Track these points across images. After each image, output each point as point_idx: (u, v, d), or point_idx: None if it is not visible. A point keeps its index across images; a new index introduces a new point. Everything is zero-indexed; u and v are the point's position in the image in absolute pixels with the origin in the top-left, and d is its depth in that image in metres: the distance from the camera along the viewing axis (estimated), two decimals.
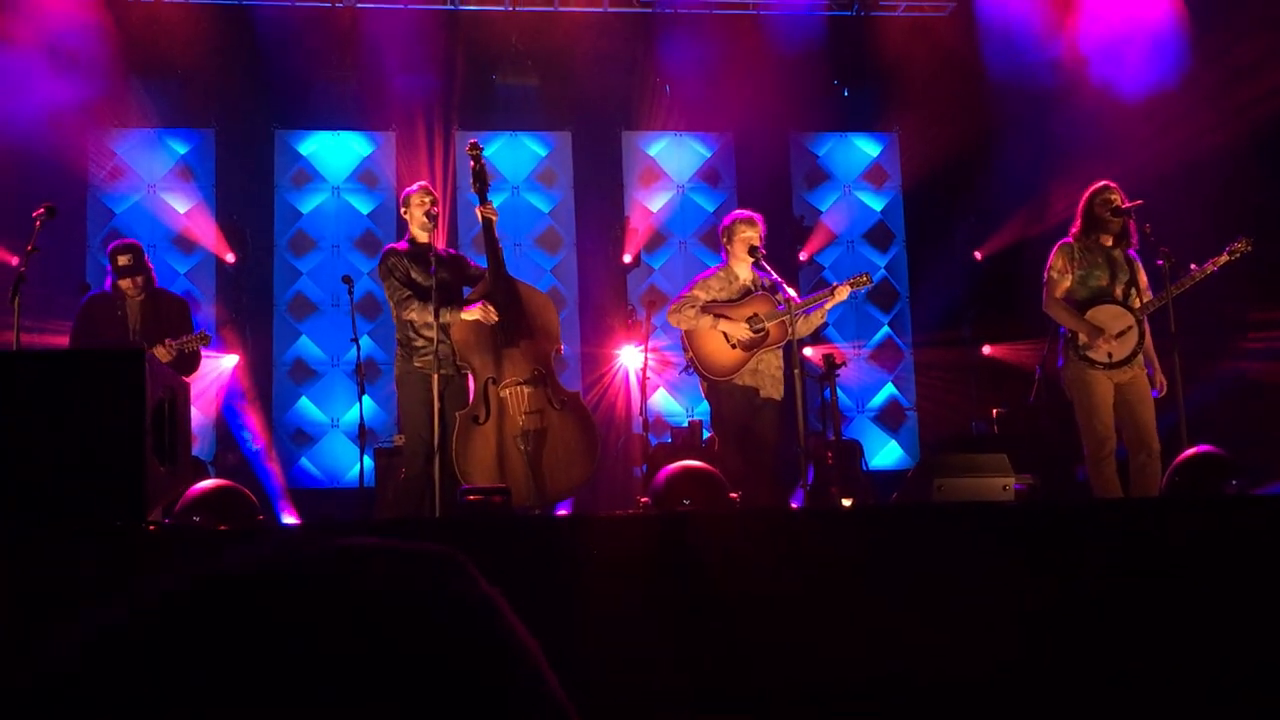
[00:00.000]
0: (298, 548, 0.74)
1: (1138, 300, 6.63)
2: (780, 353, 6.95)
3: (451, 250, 7.34)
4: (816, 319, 7.06)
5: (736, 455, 6.75)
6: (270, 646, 0.67)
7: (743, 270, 6.99)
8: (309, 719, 0.65)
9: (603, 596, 3.79)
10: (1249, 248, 6.58)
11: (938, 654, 3.79)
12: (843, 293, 6.88)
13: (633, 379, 9.85)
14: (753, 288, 6.97)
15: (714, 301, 6.90)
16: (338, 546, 0.75)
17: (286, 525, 8.04)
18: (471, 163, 6.70)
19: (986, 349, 10.75)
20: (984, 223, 10.92)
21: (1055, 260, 6.68)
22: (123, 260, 6.91)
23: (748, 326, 6.81)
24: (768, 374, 6.88)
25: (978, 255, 11.02)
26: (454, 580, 0.75)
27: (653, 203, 11.07)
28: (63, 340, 7.44)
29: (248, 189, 10.49)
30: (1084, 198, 6.74)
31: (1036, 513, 4.96)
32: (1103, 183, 6.74)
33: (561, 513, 6.88)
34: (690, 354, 6.93)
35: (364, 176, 10.77)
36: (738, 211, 7.23)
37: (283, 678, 0.66)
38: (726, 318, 6.83)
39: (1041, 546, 4.25)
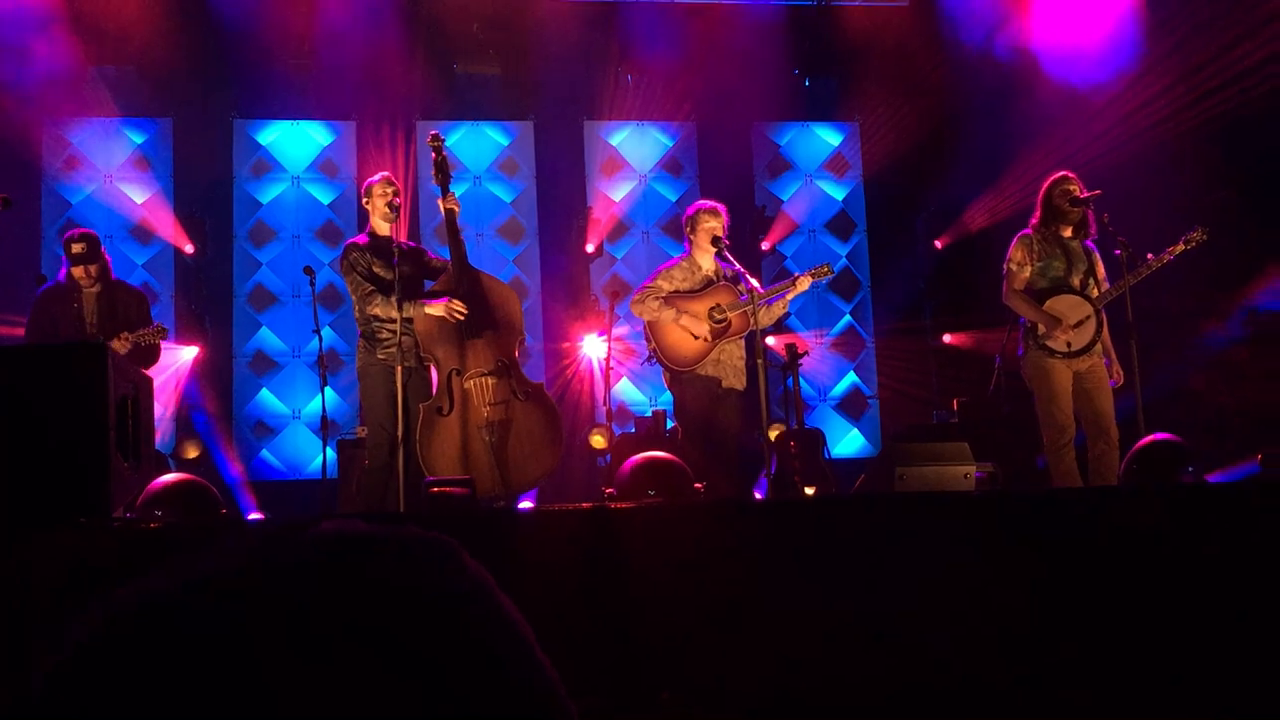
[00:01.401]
0: (283, 542, 0.73)
1: (1096, 290, 6.71)
2: (742, 343, 6.98)
3: (411, 243, 7.32)
4: (778, 309, 7.11)
5: (699, 446, 6.78)
6: (268, 646, 0.66)
7: (705, 260, 7.01)
8: (311, 718, 0.65)
9: (551, 590, 3.79)
10: (1205, 237, 6.67)
11: (898, 646, 3.83)
12: (804, 283, 6.92)
13: (596, 369, 9.87)
14: (715, 278, 7.00)
15: (677, 292, 6.93)
16: (325, 538, 0.73)
17: (252, 519, 8.00)
18: (433, 154, 6.69)
19: (947, 337, 10.85)
20: (944, 212, 11.01)
21: (1014, 252, 6.74)
22: (76, 248, 6.78)
23: (709, 321, 6.84)
24: (730, 364, 6.91)
25: (938, 244, 11.11)
26: (451, 569, 0.74)
27: (615, 192, 11.08)
28: (18, 333, 7.36)
29: (206, 179, 10.41)
30: (1043, 188, 6.81)
31: (997, 501, 5.02)
32: (1062, 173, 6.81)
33: (525, 504, 6.90)
34: (653, 344, 6.95)
35: (324, 166, 10.71)
36: (701, 202, 7.25)
37: (283, 676, 0.65)
38: (689, 312, 6.85)
39: (1002, 535, 4.32)
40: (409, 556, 0.73)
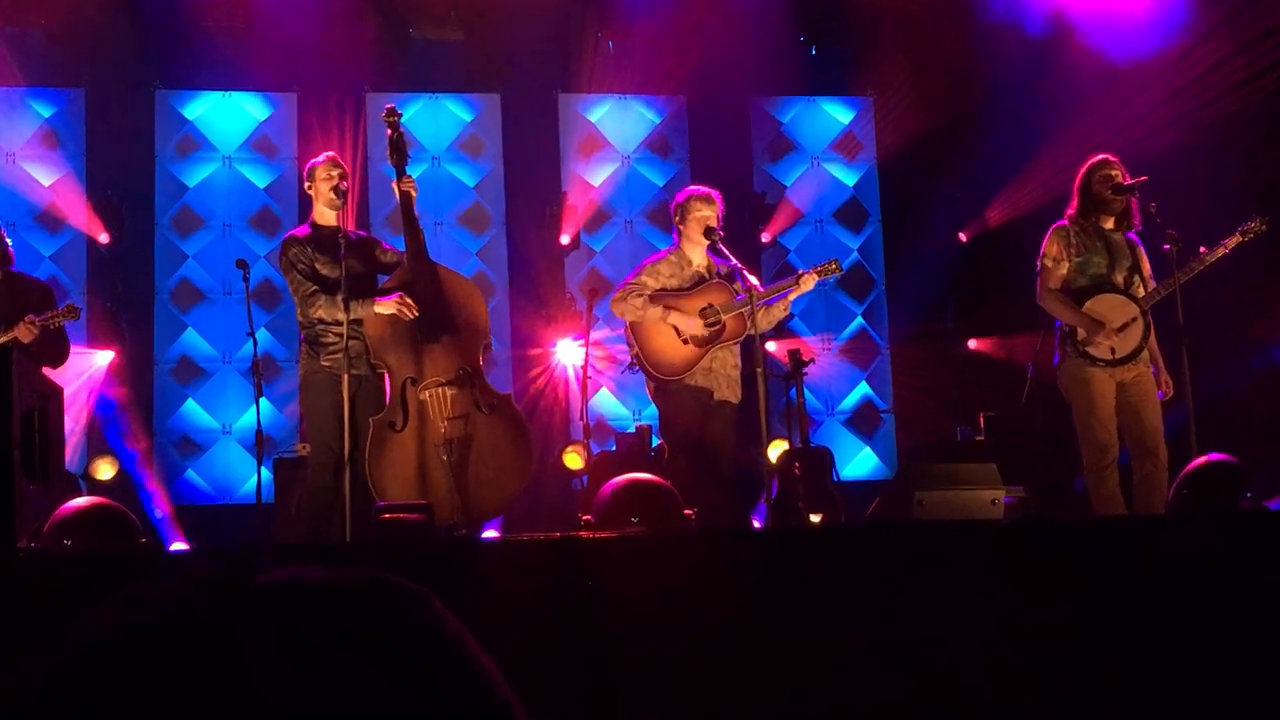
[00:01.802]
0: (231, 583, 0.75)
1: (1141, 288, 6.73)
2: (737, 349, 7.00)
3: (362, 232, 7.32)
4: (779, 311, 7.12)
5: (688, 466, 6.78)
6: (259, 652, 0.69)
7: (697, 254, 7.03)
8: None
9: (518, 623, 3.78)
10: (1264, 227, 6.69)
11: (918, 699, 3.83)
12: (809, 282, 6.93)
13: (572, 378, 9.86)
14: (708, 275, 7.01)
15: (664, 290, 6.93)
16: (284, 584, 0.75)
17: (177, 550, 7.96)
18: (389, 130, 6.70)
19: (972, 343, 10.87)
20: (969, 200, 11.03)
21: (1050, 246, 6.76)
22: None
23: (701, 320, 6.84)
24: (722, 373, 6.92)
25: (962, 237, 11.14)
26: (422, 617, 0.76)
27: (594, 176, 11.08)
28: None
29: (124, 158, 10.36)
30: (1081, 174, 6.84)
31: (1029, 531, 5.03)
32: (1102, 157, 6.84)
33: (490, 534, 6.88)
34: (636, 350, 6.96)
35: (260, 144, 10.68)
36: (692, 187, 7.27)
37: (274, 682, 0.68)
38: (678, 309, 6.85)
39: (1035, 570, 4.32)
40: (383, 610, 0.76)
